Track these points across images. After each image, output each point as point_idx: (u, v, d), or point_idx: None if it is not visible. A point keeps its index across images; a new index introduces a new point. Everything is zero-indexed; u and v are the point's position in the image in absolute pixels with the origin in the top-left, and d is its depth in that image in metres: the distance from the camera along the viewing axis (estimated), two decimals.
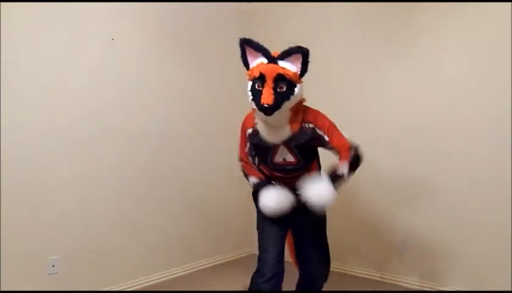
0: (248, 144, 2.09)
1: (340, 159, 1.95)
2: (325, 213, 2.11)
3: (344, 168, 1.90)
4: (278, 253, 2.02)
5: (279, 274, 1.99)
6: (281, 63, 1.84)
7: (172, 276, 3.17)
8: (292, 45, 1.84)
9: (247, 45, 1.90)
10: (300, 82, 1.87)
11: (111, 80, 2.85)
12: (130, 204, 2.94)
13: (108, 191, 2.81)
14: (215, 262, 3.51)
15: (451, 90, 2.76)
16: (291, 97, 1.83)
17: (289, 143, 1.95)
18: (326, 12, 3.36)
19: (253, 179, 2.07)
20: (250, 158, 2.12)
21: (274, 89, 1.80)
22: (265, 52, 1.86)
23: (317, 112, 2.01)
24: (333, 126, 1.98)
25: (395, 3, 2.97)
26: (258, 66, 1.87)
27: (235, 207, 3.67)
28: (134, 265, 2.96)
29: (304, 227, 2.12)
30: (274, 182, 2.07)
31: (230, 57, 3.21)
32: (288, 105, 1.84)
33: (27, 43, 2.44)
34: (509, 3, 2.50)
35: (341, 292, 2.78)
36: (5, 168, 2.34)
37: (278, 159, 2.02)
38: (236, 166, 2.21)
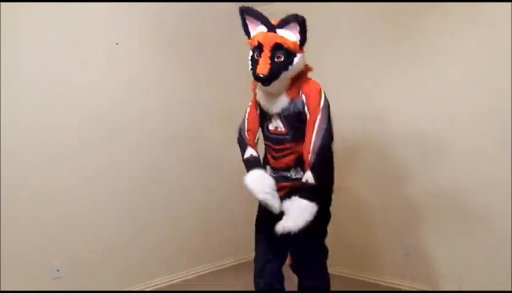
0: (258, 110, 2.05)
1: (305, 162, 1.85)
2: (316, 226, 1.86)
3: (308, 176, 1.81)
4: (267, 259, 2.01)
5: (272, 279, 2.00)
6: (280, 31, 1.80)
7: (175, 281, 3.16)
8: (289, 14, 1.80)
9: (246, 14, 1.89)
10: (300, 51, 1.83)
11: (115, 81, 2.89)
12: (135, 208, 2.95)
13: (112, 195, 2.82)
14: (217, 267, 3.49)
15: (453, 90, 2.75)
16: (290, 67, 1.79)
17: (281, 112, 1.91)
18: (326, 12, 3.38)
19: (249, 153, 2.00)
20: (253, 127, 2.05)
21: (271, 58, 1.77)
22: (265, 21, 1.85)
23: (316, 87, 1.90)
24: (320, 108, 1.85)
25: (396, 4, 2.98)
26: (257, 34, 1.86)
27: (239, 211, 3.65)
28: (138, 269, 2.96)
29: (294, 240, 1.88)
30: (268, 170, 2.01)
31: (232, 57, 3.25)
32: (286, 75, 1.80)
33: (30, 45, 2.48)
34: (509, 4, 2.52)
35: (341, 292, 2.75)
36: (9, 171, 2.36)
37: (272, 126, 1.97)
38: (240, 170, 2.09)
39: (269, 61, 1.77)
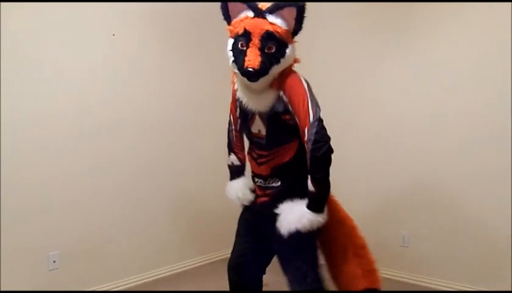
0: (238, 110, 1.76)
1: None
2: (303, 233, 1.58)
3: (308, 184, 1.54)
4: (241, 261, 1.79)
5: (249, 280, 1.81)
6: (270, 17, 1.52)
7: (171, 273, 3.18)
8: None
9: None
10: (292, 41, 1.57)
11: (112, 75, 2.85)
12: (131, 199, 2.95)
13: (108, 187, 2.81)
14: (210, 259, 3.51)
15: (451, 89, 2.75)
16: (281, 60, 1.52)
17: (267, 110, 1.61)
18: (324, 12, 3.35)
19: (231, 161, 1.85)
20: (239, 126, 1.81)
21: (261, 50, 1.49)
22: (251, 4, 1.55)
23: (295, 79, 1.58)
24: (306, 101, 1.53)
25: (393, 3, 2.97)
26: (241, 20, 1.57)
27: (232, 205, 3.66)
28: (135, 261, 2.97)
29: (277, 246, 1.70)
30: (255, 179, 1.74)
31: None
32: (277, 69, 1.53)
33: (26, 36, 2.43)
34: (509, 4, 2.50)
35: (340, 292, 2.78)
36: (5, 162, 2.34)
37: (254, 129, 1.69)
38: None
39: (259, 53, 1.48)
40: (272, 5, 1.54)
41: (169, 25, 3.22)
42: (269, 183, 1.69)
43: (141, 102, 3.03)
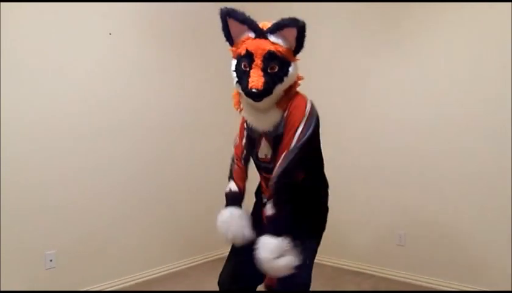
0: (245, 135, 1.74)
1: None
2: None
3: (267, 209, 1.50)
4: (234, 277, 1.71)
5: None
6: (271, 37, 1.53)
7: (168, 272, 3.19)
8: (285, 17, 1.52)
9: (229, 17, 1.58)
10: (294, 59, 1.58)
11: (112, 75, 2.86)
12: (128, 199, 2.95)
13: (105, 186, 2.82)
14: (209, 257, 3.52)
15: (450, 89, 2.76)
16: (285, 79, 1.53)
17: (269, 133, 1.60)
18: (321, 11, 3.36)
19: (229, 187, 1.75)
20: (244, 156, 1.77)
21: (264, 70, 1.51)
22: (252, 25, 1.55)
23: (300, 102, 1.58)
24: (297, 125, 1.52)
25: (391, 3, 2.99)
26: (243, 41, 1.57)
27: None
28: (131, 261, 2.97)
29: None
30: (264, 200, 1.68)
31: (228, 56, 3.21)
32: (280, 88, 1.54)
33: (26, 37, 2.44)
34: (509, 4, 2.50)
35: (339, 292, 2.79)
36: (4, 162, 2.35)
37: (261, 154, 1.67)
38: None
39: (262, 74, 1.50)
40: (272, 25, 1.54)
41: (169, 26, 3.23)
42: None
43: (141, 103, 3.04)
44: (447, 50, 2.76)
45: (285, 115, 1.57)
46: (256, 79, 1.49)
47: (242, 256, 1.67)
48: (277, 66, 1.52)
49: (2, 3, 2.33)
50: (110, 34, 2.83)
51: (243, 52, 1.55)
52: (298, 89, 1.68)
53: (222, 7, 1.61)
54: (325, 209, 1.77)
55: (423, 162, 2.88)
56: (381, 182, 3.09)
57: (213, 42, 3.49)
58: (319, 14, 3.35)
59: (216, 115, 3.54)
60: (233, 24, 1.60)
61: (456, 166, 2.73)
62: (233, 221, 1.67)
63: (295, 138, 1.52)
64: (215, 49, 3.46)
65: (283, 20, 1.52)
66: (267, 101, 1.54)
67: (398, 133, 3.00)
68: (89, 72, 2.73)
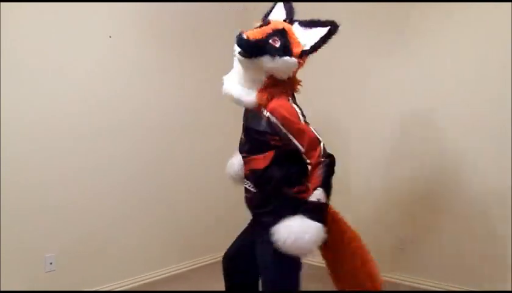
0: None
1: (311, 177, 1.53)
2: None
3: (317, 194, 1.47)
4: (234, 254, 1.79)
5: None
6: (296, 26, 1.58)
7: (169, 274, 3.18)
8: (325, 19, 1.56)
9: (282, 1, 1.69)
10: (298, 57, 1.54)
11: (112, 75, 2.86)
12: (128, 199, 2.95)
13: (105, 186, 2.81)
14: (211, 260, 3.50)
15: (452, 89, 2.76)
16: (276, 58, 1.48)
17: (247, 122, 1.67)
18: (322, 11, 3.32)
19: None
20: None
21: (267, 36, 1.49)
22: (289, 10, 1.66)
23: (282, 103, 1.55)
24: (297, 125, 1.53)
25: (394, 3, 2.97)
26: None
27: (233, 204, 3.65)
28: (131, 263, 2.97)
29: (257, 251, 1.66)
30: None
31: (228, 56, 3.20)
32: (267, 62, 1.49)
33: (26, 39, 2.43)
34: (509, 4, 2.50)
35: (338, 292, 2.78)
36: (4, 162, 2.34)
37: (243, 143, 1.73)
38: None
39: (265, 35, 1.48)
40: (306, 20, 1.60)
41: (169, 26, 3.23)
42: (248, 185, 1.71)
43: (141, 103, 3.03)
44: (453, 50, 2.75)
45: (272, 118, 1.54)
46: (254, 32, 1.49)
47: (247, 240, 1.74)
48: (279, 42, 1.50)
49: (2, 3, 2.33)
50: (110, 37, 2.83)
51: (265, 21, 1.61)
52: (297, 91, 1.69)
53: None
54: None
55: (425, 163, 2.87)
56: (383, 182, 3.08)
57: (213, 42, 3.49)
58: (319, 14, 3.32)
59: (216, 115, 3.53)
60: (279, 8, 1.69)
61: (458, 166, 2.72)
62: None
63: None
64: (215, 49, 3.46)
65: (321, 20, 1.59)
66: (249, 70, 1.54)
67: (402, 135, 2.98)
68: (89, 72, 2.73)
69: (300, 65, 1.58)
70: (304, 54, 1.56)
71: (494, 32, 2.58)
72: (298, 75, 1.69)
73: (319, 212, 1.46)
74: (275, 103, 1.54)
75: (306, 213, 1.44)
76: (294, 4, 1.75)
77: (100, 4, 2.76)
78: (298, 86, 1.68)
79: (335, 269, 1.82)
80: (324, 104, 3.16)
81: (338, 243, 1.73)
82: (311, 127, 1.56)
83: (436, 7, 2.79)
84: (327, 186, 1.49)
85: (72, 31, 2.64)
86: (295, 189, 1.61)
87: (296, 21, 1.59)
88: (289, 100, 1.59)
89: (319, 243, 1.44)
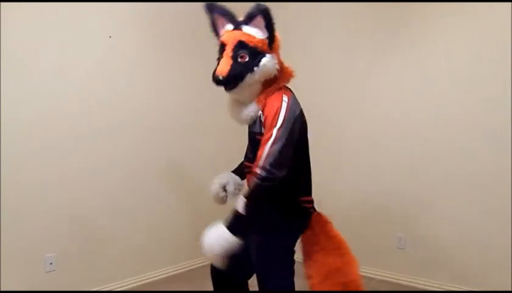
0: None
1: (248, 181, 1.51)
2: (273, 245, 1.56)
3: (238, 201, 1.44)
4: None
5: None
6: (245, 28, 1.54)
7: (169, 274, 3.19)
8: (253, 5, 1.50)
9: (212, 12, 1.62)
10: (271, 51, 1.54)
11: (112, 75, 2.86)
12: (128, 201, 2.95)
13: (105, 186, 2.81)
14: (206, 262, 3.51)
15: (449, 89, 2.76)
16: (256, 69, 1.49)
17: (249, 127, 1.61)
18: (321, 11, 3.35)
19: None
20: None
21: (234, 58, 1.50)
22: (231, 18, 1.59)
23: (276, 99, 1.51)
24: (277, 118, 1.45)
25: (390, 3, 2.99)
26: (222, 34, 1.61)
27: (232, 204, 3.65)
28: (130, 264, 2.97)
29: (252, 254, 1.63)
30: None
31: None
32: (253, 78, 1.50)
33: (29, 39, 2.44)
34: (509, 3, 2.50)
35: (338, 292, 2.77)
36: (4, 163, 2.34)
37: (248, 152, 1.66)
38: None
39: (231, 62, 1.50)
40: (245, 16, 1.55)
41: (169, 26, 3.23)
42: None
43: (141, 103, 3.04)
44: (447, 50, 2.76)
45: (260, 112, 1.53)
46: (223, 66, 1.50)
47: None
48: (247, 55, 1.50)
49: (2, 3, 2.33)
50: (110, 37, 2.84)
51: (219, 44, 1.59)
52: (297, 88, 1.65)
53: (207, 2, 1.63)
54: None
55: (424, 162, 2.87)
56: (382, 182, 3.09)
57: (213, 42, 3.46)
58: (318, 15, 3.35)
59: (216, 115, 3.52)
60: (218, 18, 1.64)
61: (456, 166, 2.73)
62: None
63: (268, 138, 1.45)
64: (215, 49, 3.45)
65: (250, 9, 1.51)
66: (243, 93, 1.54)
67: (399, 135, 2.99)
68: (89, 72, 2.74)
69: (276, 53, 1.57)
70: (271, 43, 1.54)
71: (488, 32, 2.59)
72: (298, 76, 1.69)
73: (232, 220, 1.46)
74: (267, 101, 1.54)
75: (226, 220, 1.47)
76: (295, 4, 1.71)
77: (100, 4, 2.77)
78: (293, 75, 1.65)
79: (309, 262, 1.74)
80: (323, 104, 3.16)
81: (320, 241, 1.73)
82: (286, 133, 1.46)
83: (430, 7, 2.80)
84: (249, 199, 1.45)
85: (72, 31, 2.64)
86: (301, 199, 1.62)
87: (241, 24, 1.56)
88: (282, 97, 1.53)
89: (223, 249, 1.42)
